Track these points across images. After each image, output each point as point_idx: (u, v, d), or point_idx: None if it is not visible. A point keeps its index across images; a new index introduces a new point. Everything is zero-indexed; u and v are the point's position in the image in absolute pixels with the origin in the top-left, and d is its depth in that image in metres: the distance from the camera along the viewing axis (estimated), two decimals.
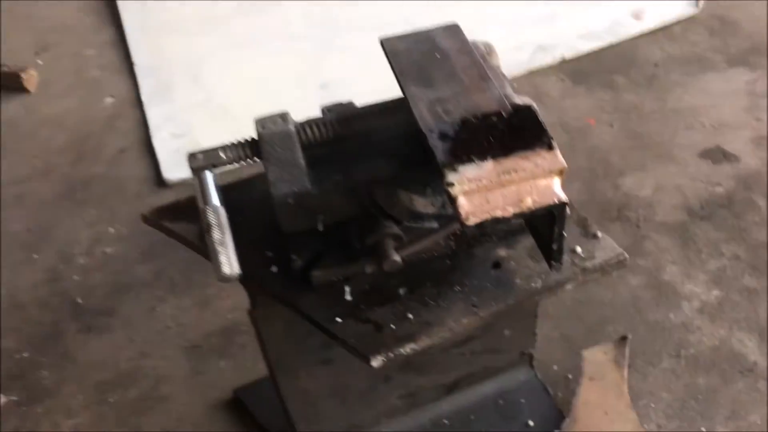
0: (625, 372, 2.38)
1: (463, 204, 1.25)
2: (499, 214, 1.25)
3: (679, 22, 4.15)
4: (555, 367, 2.54)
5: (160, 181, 3.50)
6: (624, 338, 2.46)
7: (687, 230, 2.98)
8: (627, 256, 1.67)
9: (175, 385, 2.63)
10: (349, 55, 4.10)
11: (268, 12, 4.53)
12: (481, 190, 1.26)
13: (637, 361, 2.53)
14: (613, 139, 3.46)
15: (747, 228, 2.95)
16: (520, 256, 1.69)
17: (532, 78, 3.89)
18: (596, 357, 2.43)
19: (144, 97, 4.02)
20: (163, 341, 2.77)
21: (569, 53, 4.01)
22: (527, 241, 1.71)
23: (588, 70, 3.91)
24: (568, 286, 1.66)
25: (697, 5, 4.23)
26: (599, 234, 1.71)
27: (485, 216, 1.24)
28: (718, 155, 3.30)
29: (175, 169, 3.49)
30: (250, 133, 1.62)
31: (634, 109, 3.62)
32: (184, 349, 2.74)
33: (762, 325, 2.62)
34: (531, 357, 2.43)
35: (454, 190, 1.25)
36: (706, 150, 3.34)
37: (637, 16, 4.19)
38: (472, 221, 1.24)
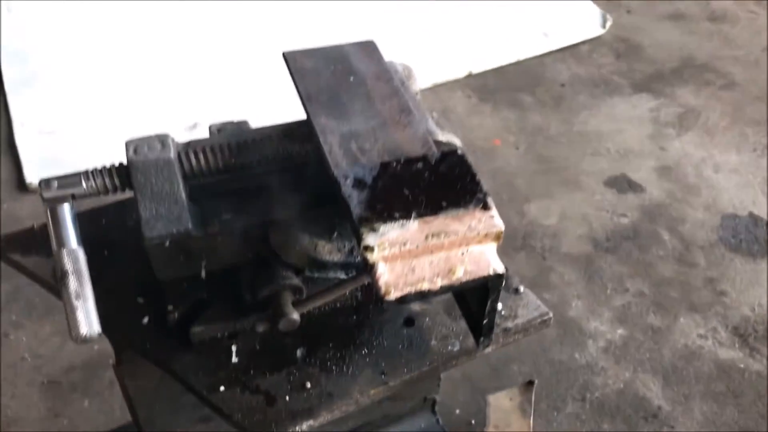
0: (531, 421, 2.23)
1: (384, 274, 1.02)
2: (425, 287, 1.03)
3: (585, 42, 4.10)
4: (458, 411, 2.36)
5: (22, 185, 3.09)
6: (530, 383, 2.31)
7: (592, 263, 2.88)
8: (551, 315, 1.49)
9: (28, 429, 2.27)
10: (245, 54, 3.79)
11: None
12: (405, 257, 1.03)
13: (542, 404, 2.39)
14: (518, 162, 3.34)
15: (652, 262, 2.89)
16: (436, 312, 1.48)
17: (437, 91, 3.72)
18: (501, 403, 2.27)
19: (8, 86, 3.57)
20: (16, 376, 2.40)
21: (476, 67, 3.87)
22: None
23: (494, 86, 3.78)
24: (488, 350, 1.47)
25: (603, 26, 4.19)
26: (521, 289, 1.53)
27: (409, 289, 1.02)
28: (623, 184, 3.24)
29: (40, 171, 3.08)
30: (134, 134, 1.32)
31: (540, 131, 3.52)
32: (40, 386, 2.39)
33: (666, 366, 2.54)
34: (434, 402, 2.24)
35: (373, 256, 1.02)
36: (611, 178, 3.27)
37: (544, 33, 4.11)
38: (393, 295, 1.01)
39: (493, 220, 1.06)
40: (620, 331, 2.65)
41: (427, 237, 1.04)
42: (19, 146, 3.24)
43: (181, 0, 4.16)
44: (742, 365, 2.55)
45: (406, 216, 1.05)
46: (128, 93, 3.49)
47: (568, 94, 3.76)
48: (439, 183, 1.12)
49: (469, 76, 3.84)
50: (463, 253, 1.05)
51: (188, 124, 3.16)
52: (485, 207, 1.08)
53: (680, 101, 3.73)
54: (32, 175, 3.10)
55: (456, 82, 3.80)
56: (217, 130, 1.48)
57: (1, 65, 3.68)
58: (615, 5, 4.42)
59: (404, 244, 1.03)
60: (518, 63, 3.94)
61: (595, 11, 4.30)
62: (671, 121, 3.61)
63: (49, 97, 3.52)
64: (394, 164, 1.15)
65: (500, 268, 1.05)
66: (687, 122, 3.60)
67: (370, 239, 1.02)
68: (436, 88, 3.74)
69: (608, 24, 4.21)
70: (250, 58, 3.67)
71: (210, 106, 3.35)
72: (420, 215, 1.06)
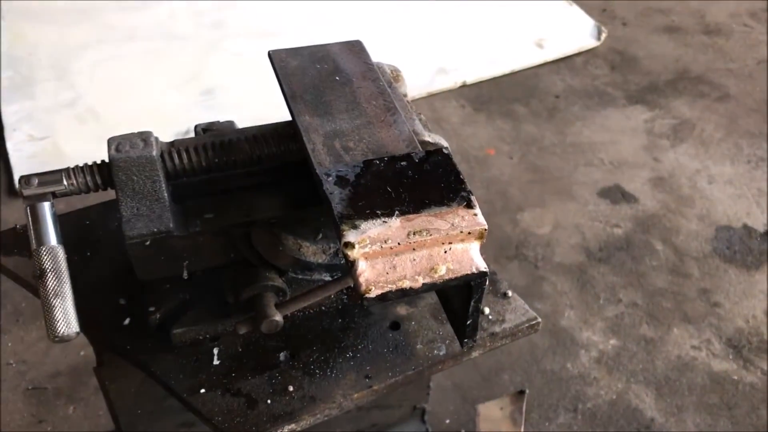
0: (521, 431, 2.20)
1: (364, 271, 1.00)
2: (406, 285, 1.01)
3: (580, 54, 4.10)
4: (447, 421, 2.34)
5: (11, 190, 3.07)
6: (521, 392, 2.28)
7: (585, 272, 2.86)
8: (540, 320, 1.47)
9: None
10: (238, 60, 3.79)
11: (150, 7, 4.15)
12: (387, 254, 1.01)
13: (533, 414, 2.37)
14: (512, 171, 3.32)
15: (645, 273, 2.87)
16: (422, 316, 1.46)
17: (431, 101, 3.72)
18: (492, 413, 2.24)
19: (1, 92, 3.55)
20: (0, 381, 2.37)
21: (470, 77, 3.87)
22: (431, 298, 1.49)
23: (488, 96, 3.77)
24: (475, 354, 1.44)
25: (598, 38, 4.20)
26: (510, 293, 1.51)
27: (390, 287, 1.00)
28: (616, 195, 3.22)
29: None
30: None
31: (534, 141, 3.51)
32: (25, 392, 2.36)
33: (659, 377, 2.52)
34: (423, 411, 2.21)
35: (353, 253, 1.00)
36: (605, 188, 3.25)
37: (539, 44, 4.11)
38: (373, 293, 0.99)
39: (477, 218, 1.04)
40: (613, 341, 2.63)
41: (409, 234, 1.02)
42: (10, 152, 3.23)
43: (174, 2, 4.16)
44: (735, 377, 2.52)
45: (388, 213, 1.03)
46: (122, 99, 3.48)
47: (563, 105, 3.75)
48: (422, 181, 1.11)
49: (464, 86, 3.84)
50: (445, 251, 1.03)
51: (180, 130, 3.14)
52: (469, 205, 1.06)
53: (675, 113, 3.73)
54: None
55: (450, 92, 3.80)
56: (203, 129, 1.46)
57: None
58: (610, 17, 4.43)
59: (385, 241, 1.01)
60: (512, 74, 3.93)
61: (590, 23, 4.30)
62: (666, 132, 3.60)
63: (42, 104, 3.50)
64: (378, 162, 1.13)
65: (483, 266, 1.03)
66: (681, 134, 3.59)
67: (350, 236, 1.00)
68: (430, 98, 3.74)
69: (603, 36, 4.21)
70: (249, 60, 3.66)
71: (204, 113, 3.34)
72: (402, 212, 1.04)
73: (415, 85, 3.69)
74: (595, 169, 3.36)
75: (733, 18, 4.47)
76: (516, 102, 3.75)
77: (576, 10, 4.40)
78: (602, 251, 2.95)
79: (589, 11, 4.39)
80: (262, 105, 2.98)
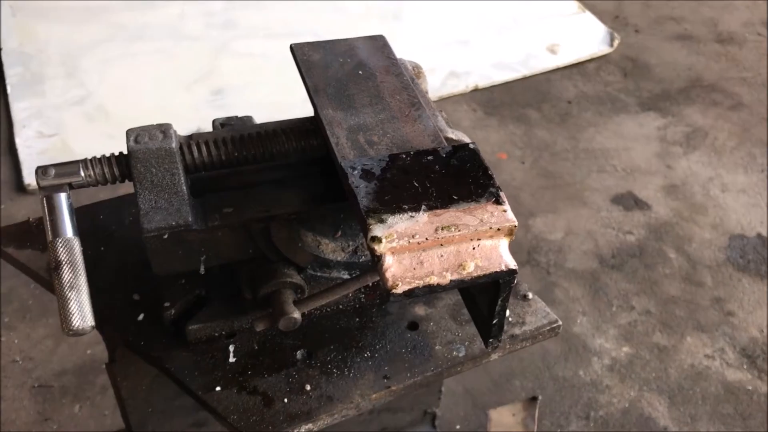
0: None
1: (391, 266, 0.97)
2: (434, 281, 0.98)
3: (592, 60, 4.08)
4: (458, 426, 2.30)
5: (20, 186, 3.05)
6: (534, 399, 2.25)
7: (598, 279, 2.83)
8: (560, 323, 1.45)
9: None
10: (248, 61, 3.77)
11: (160, 6, 4.13)
12: (414, 249, 0.99)
13: (545, 421, 2.33)
14: (524, 176, 3.30)
15: (658, 281, 2.83)
16: (441, 317, 1.44)
17: (443, 105, 3.69)
18: (503, 418, 2.21)
19: (9, 88, 3.54)
20: (7, 378, 2.35)
21: (482, 82, 3.85)
22: (449, 298, 1.47)
23: (500, 101, 3.75)
24: (494, 356, 1.42)
25: (611, 44, 4.18)
26: (530, 295, 1.49)
27: (417, 283, 0.97)
28: (629, 202, 3.20)
29: None
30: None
31: (546, 146, 3.48)
32: (31, 389, 2.33)
33: (672, 386, 2.48)
34: (434, 416, 2.18)
35: (380, 247, 0.97)
36: (617, 195, 3.23)
37: (551, 49, 4.09)
38: (400, 289, 0.97)
39: (506, 214, 1.02)
40: (625, 348, 2.59)
41: (437, 230, 0.99)
42: (19, 148, 3.21)
43: (184, 1, 4.16)
44: (750, 387, 2.49)
45: (416, 208, 1.01)
46: (131, 98, 3.46)
47: (575, 110, 3.73)
48: (449, 176, 1.08)
49: (475, 90, 3.82)
50: (474, 248, 1.01)
51: (190, 129, 3.12)
52: (498, 201, 1.04)
53: (687, 120, 3.70)
54: (31, 177, 3.06)
55: (462, 96, 3.78)
56: (221, 124, 1.44)
57: (3, 67, 3.66)
58: (623, 24, 4.41)
59: (413, 236, 0.98)
60: (525, 79, 3.91)
61: (603, 30, 4.28)
62: (678, 139, 3.58)
63: (51, 101, 3.49)
64: (404, 156, 1.11)
65: (512, 264, 1.01)
66: (694, 141, 3.57)
67: (377, 230, 0.98)
68: (441, 102, 3.71)
69: (616, 42, 4.19)
70: (259, 61, 3.65)
71: (214, 113, 3.32)
72: (430, 207, 1.01)
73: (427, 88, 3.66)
74: (608, 175, 3.33)
75: (746, 27, 4.45)
76: (528, 107, 3.72)
77: (589, 16, 4.39)
78: (615, 258, 2.92)
79: (602, 18, 4.37)
80: (272, 105, 2.98)
